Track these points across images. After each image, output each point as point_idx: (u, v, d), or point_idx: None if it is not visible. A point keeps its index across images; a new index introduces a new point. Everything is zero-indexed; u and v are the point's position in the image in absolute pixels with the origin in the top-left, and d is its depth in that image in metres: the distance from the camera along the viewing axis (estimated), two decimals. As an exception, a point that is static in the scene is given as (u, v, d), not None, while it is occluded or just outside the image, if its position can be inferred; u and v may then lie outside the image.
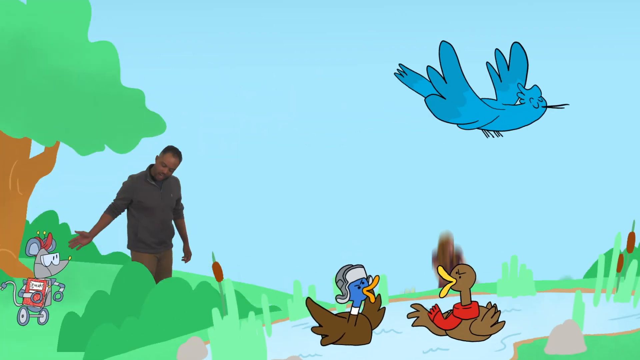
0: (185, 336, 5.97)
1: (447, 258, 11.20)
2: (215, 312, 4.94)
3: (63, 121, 9.25)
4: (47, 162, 9.80)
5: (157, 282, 7.43)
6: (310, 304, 5.01)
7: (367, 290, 4.96)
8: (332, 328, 4.99)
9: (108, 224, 8.00)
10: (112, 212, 7.98)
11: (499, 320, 4.96)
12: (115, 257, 10.38)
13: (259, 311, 6.49)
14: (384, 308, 5.05)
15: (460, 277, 4.91)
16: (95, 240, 10.60)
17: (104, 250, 10.65)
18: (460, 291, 4.93)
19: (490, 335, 4.95)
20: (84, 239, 7.91)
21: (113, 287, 6.84)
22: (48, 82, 9.24)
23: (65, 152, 9.45)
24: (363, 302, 4.97)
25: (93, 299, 6.76)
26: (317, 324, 5.03)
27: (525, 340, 4.95)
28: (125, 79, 9.54)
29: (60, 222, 10.44)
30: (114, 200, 8.02)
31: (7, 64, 9.08)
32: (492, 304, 4.99)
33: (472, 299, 4.95)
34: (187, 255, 8.27)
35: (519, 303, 5.82)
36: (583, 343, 4.73)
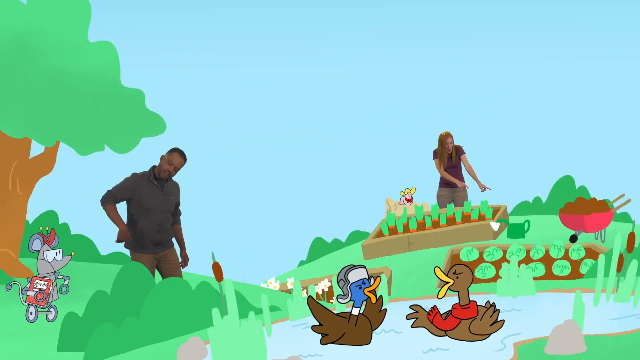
0: (185, 336, 5.97)
1: (446, 152, 11.43)
2: (215, 312, 4.93)
3: (63, 121, 9.23)
4: (47, 162, 9.79)
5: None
6: (312, 302, 5.01)
7: (369, 291, 4.95)
8: (332, 327, 4.99)
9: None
10: (114, 202, 7.93)
11: (498, 319, 4.96)
12: (115, 257, 10.37)
13: (259, 311, 6.49)
14: (385, 310, 5.05)
15: (457, 277, 4.89)
16: (95, 240, 10.61)
17: (104, 250, 10.64)
18: (458, 291, 4.92)
19: (490, 334, 4.94)
20: (124, 234, 7.86)
21: (113, 287, 6.84)
22: (48, 82, 9.23)
23: (65, 152, 9.46)
24: (364, 302, 4.97)
25: (93, 299, 6.75)
26: (317, 323, 5.04)
27: (525, 340, 4.92)
28: (125, 79, 9.55)
29: (60, 222, 10.44)
30: (112, 192, 7.93)
31: (7, 64, 9.07)
32: (491, 303, 4.97)
33: (471, 299, 4.95)
34: (184, 261, 8.25)
35: (519, 303, 5.82)
36: (583, 343, 4.71)
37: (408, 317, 5.01)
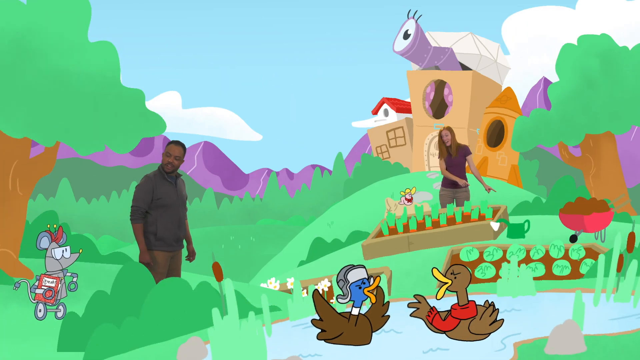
0: (185, 336, 5.95)
1: (444, 145, 11.45)
2: (215, 312, 4.90)
3: (63, 121, 9.25)
4: (47, 162, 9.79)
5: None
6: (317, 296, 4.99)
7: (368, 291, 4.94)
8: (332, 325, 4.97)
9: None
10: (143, 217, 7.82)
11: (497, 319, 4.93)
12: (115, 257, 10.33)
13: (259, 311, 6.48)
14: (388, 316, 5.03)
15: (455, 277, 4.87)
16: (95, 240, 10.59)
17: (103, 251, 10.65)
18: (456, 292, 4.90)
19: (490, 333, 4.92)
20: (144, 258, 7.79)
21: (113, 287, 6.84)
22: (48, 82, 9.24)
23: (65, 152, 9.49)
24: (364, 302, 4.95)
25: (93, 299, 6.75)
26: (318, 318, 5.02)
27: (525, 340, 4.89)
28: (125, 79, 9.57)
29: (60, 222, 10.46)
30: (138, 206, 7.80)
31: (7, 64, 9.08)
32: (490, 303, 4.94)
33: (470, 299, 4.91)
34: (191, 255, 8.21)
35: (519, 303, 5.80)
36: (583, 343, 4.69)
37: (409, 305, 4.99)
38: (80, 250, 7.43)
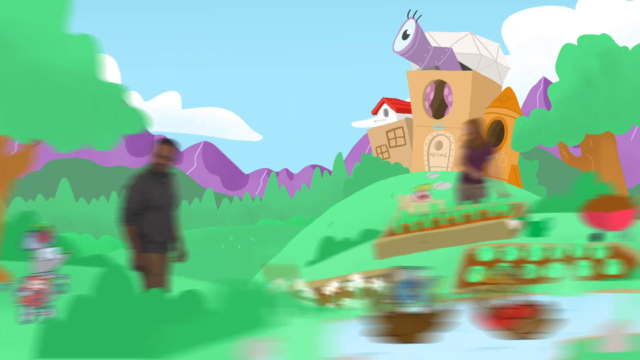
0: (241, 337, 5.74)
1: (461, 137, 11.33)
2: (279, 312, 5.01)
3: (41, 117, 8.93)
4: (24, 160, 9.42)
5: (162, 283, 7.18)
6: (375, 295, 5.35)
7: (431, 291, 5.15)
8: (394, 323, 5.16)
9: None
10: (134, 221, 7.32)
11: (546, 319, 5.10)
12: (95, 260, 10.05)
13: (306, 310, 6.53)
14: (437, 324, 5.19)
15: (509, 280, 5.15)
16: (95, 240, 10.36)
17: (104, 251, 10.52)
18: (504, 293, 5.13)
19: (537, 333, 5.08)
20: (139, 262, 7.28)
21: (93, 291, 6.37)
22: (25, 76, 8.94)
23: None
24: (414, 301, 5.17)
25: (73, 304, 6.28)
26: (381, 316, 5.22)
27: (572, 339, 4.96)
28: (125, 79, 9.50)
29: (50, 223, 10.22)
30: (130, 207, 7.32)
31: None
32: (540, 304, 5.12)
33: (519, 299, 5.12)
34: (182, 256, 7.70)
35: (565, 303, 5.84)
36: (628, 342, 4.75)
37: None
38: (74, 251, 7.22)
